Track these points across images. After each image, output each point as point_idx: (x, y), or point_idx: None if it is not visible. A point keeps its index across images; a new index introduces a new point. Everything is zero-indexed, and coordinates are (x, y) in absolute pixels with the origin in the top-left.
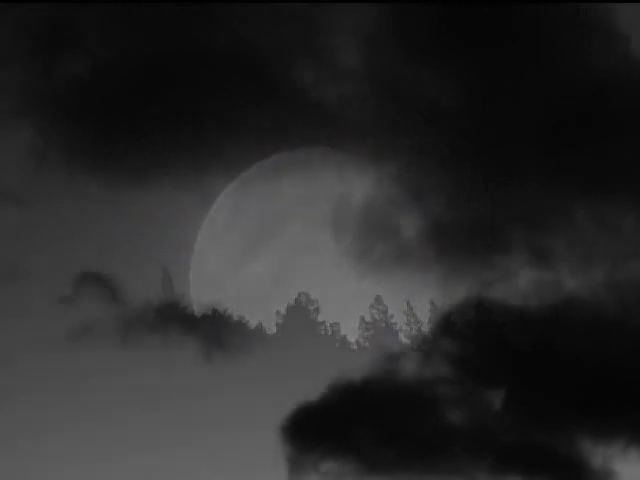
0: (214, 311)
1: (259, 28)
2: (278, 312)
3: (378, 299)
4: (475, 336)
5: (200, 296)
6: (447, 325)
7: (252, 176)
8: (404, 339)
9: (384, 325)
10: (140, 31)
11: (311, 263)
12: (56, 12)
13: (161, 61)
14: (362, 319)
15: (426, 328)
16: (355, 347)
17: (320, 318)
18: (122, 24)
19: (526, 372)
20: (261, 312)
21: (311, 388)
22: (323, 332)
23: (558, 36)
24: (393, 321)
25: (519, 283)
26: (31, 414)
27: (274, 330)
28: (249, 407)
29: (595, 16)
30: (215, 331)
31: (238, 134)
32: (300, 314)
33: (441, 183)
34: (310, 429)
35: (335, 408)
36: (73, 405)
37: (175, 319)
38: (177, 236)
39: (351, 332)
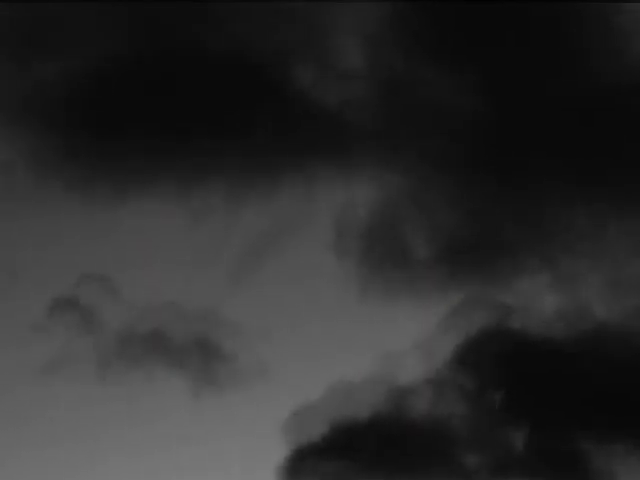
0: (203, 341)
1: (255, 28)
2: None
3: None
4: (493, 369)
5: (188, 324)
6: (462, 356)
7: (246, 188)
8: (415, 372)
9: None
10: (122, 30)
11: (310, 288)
12: (22, 9)
13: (146, 63)
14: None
15: (439, 359)
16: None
17: None
18: (101, 22)
19: (551, 409)
20: (257, 341)
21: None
22: None
23: (581, 35)
24: (402, 352)
25: (542, 310)
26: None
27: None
28: (243, 448)
29: (622, 15)
30: (204, 363)
31: (231, 142)
32: None
33: (456, 197)
34: (311, 471)
35: (339, 448)
36: (44, 445)
37: (160, 349)
38: (163, 254)
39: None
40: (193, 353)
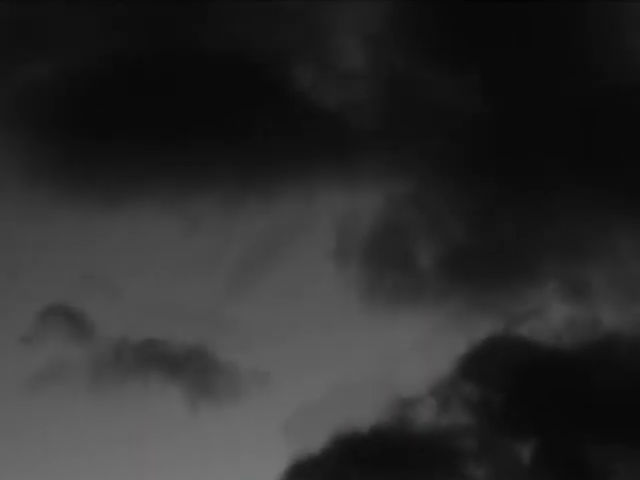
0: (201, 350)
1: (254, 27)
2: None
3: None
4: (500, 379)
5: (185, 332)
6: (468, 367)
7: (244, 192)
8: (419, 383)
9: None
10: (120, 29)
11: (310, 296)
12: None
13: (144, 63)
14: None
15: (443, 369)
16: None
17: None
18: (98, 21)
19: (560, 421)
20: (256, 351)
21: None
22: None
23: (585, 34)
24: (405, 361)
25: (551, 319)
26: None
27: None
28: (242, 460)
29: (627, 13)
30: (202, 374)
31: (230, 144)
32: None
33: (461, 201)
34: None
35: (339, 461)
36: (35, 462)
37: (155, 359)
38: (157, 264)
39: None
40: (190, 363)
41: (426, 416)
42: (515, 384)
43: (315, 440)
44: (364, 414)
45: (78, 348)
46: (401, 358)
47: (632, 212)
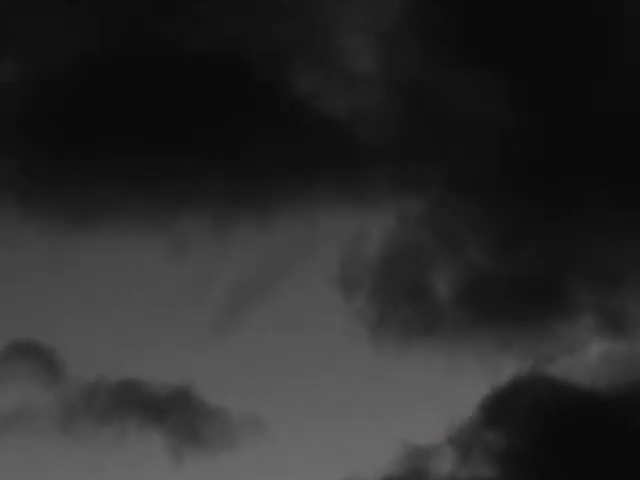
0: (185, 392)
1: (245, 24)
2: None
3: None
4: (527, 425)
5: (167, 372)
6: (491, 411)
7: (235, 215)
8: (435, 429)
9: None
10: (91, 27)
11: (311, 331)
12: None
13: (118, 67)
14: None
15: (464, 415)
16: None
17: None
18: (64, 20)
19: (594, 472)
20: (249, 394)
21: None
22: None
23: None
24: (421, 406)
25: (585, 357)
26: None
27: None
28: None
29: None
30: (187, 419)
31: (218, 160)
32: None
33: (486, 226)
34: None
35: None
36: None
37: (134, 402)
38: (137, 295)
39: None
40: (174, 407)
41: (444, 467)
42: (544, 431)
43: None
44: (373, 465)
45: (46, 390)
46: (415, 402)
47: None
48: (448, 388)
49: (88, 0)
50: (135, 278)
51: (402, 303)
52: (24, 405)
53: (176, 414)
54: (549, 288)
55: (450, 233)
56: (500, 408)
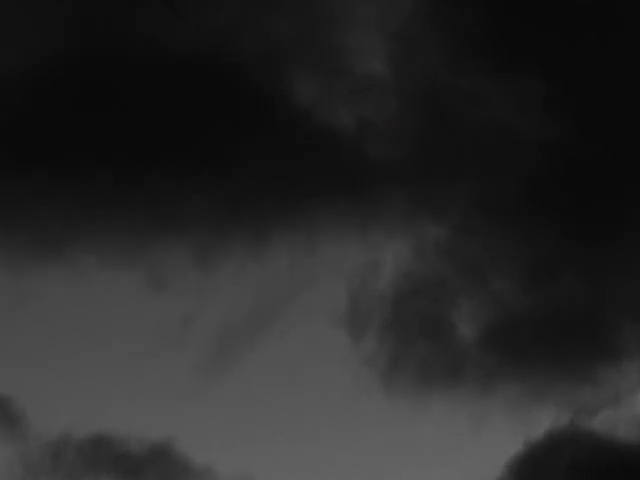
0: (164, 449)
1: (236, 21)
2: None
3: None
4: None
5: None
6: (524, 471)
7: (224, 243)
8: None
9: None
10: (57, 25)
11: (311, 377)
12: None
13: (88, 69)
14: None
15: (492, 476)
16: None
17: None
18: (29, 15)
19: None
20: (239, 451)
21: None
22: None
23: None
24: (442, 466)
25: (632, 409)
26: None
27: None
28: None
29: None
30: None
31: (204, 178)
32: None
33: (514, 255)
34: None
35: None
36: None
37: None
38: (110, 336)
39: None
40: (152, 466)
41: None
42: None
43: None
44: None
45: (7, 448)
46: (434, 461)
47: None
48: (472, 445)
49: None
50: (107, 316)
51: (418, 345)
52: None
53: (154, 475)
54: (589, 328)
55: (474, 263)
56: (533, 468)
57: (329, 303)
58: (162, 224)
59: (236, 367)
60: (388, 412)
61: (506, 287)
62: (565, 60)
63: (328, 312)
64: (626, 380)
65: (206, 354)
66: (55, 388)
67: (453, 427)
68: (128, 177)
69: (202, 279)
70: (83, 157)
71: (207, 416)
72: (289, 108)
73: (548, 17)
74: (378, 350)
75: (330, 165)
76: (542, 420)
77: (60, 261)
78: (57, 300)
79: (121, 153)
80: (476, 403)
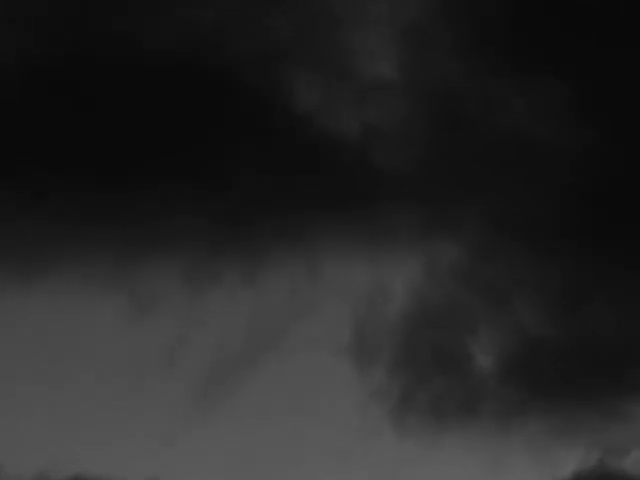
0: None
1: (227, 19)
2: None
3: None
4: None
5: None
6: None
7: (215, 264)
8: None
9: None
10: (27, 23)
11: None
12: None
13: (61, 69)
14: None
15: None
16: None
17: None
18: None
19: None
20: None
21: None
22: None
23: None
24: None
25: None
26: None
27: None
28: None
29: None
30: None
31: (194, 193)
32: None
33: (537, 280)
34: None
35: None
36: None
37: None
38: (90, 367)
39: None
40: None
41: None
42: None
43: None
44: None
45: None
46: None
47: None
48: None
49: None
50: (88, 345)
51: (432, 378)
52: None
53: None
54: (619, 359)
55: (493, 287)
56: None
57: (333, 333)
58: (148, 244)
59: (228, 402)
60: (397, 452)
61: (529, 314)
62: (593, 61)
63: (331, 343)
64: None
65: (195, 387)
66: (31, 427)
67: (469, 467)
68: (112, 192)
69: (191, 304)
70: (63, 169)
71: (195, 457)
72: (289, 114)
73: (576, 14)
74: (387, 384)
75: (333, 177)
76: (568, 460)
77: (36, 284)
78: (35, 325)
79: (104, 165)
80: (495, 442)
